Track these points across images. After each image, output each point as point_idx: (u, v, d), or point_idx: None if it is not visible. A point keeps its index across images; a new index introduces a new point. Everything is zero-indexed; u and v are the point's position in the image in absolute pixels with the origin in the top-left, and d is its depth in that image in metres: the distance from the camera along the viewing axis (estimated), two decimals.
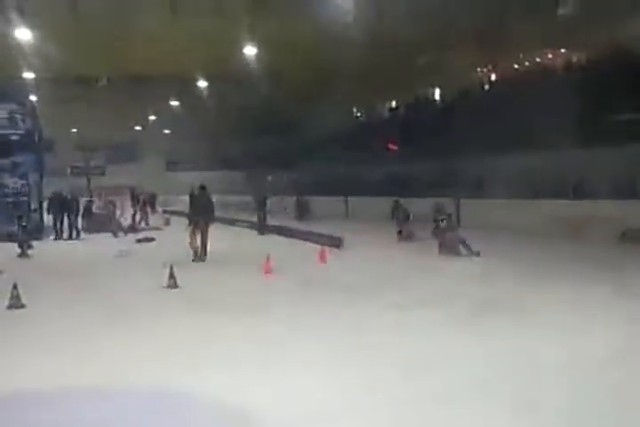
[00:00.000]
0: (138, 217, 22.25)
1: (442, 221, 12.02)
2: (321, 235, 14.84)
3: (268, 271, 10.09)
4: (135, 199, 23.87)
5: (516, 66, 26.43)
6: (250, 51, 22.11)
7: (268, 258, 10.28)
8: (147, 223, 22.43)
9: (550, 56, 25.43)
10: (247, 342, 5.93)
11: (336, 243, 13.68)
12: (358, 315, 6.99)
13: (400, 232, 14.94)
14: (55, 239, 17.64)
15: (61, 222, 18.10)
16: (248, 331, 6.37)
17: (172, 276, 9.03)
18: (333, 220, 20.64)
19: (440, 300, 7.66)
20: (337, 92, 25.14)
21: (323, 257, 11.56)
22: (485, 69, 27.99)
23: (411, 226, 14.83)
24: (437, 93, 30.72)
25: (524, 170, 17.10)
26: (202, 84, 28.88)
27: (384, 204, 16.74)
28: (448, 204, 14.08)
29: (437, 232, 12.08)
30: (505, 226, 14.56)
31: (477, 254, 11.23)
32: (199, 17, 19.35)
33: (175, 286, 8.97)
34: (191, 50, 22.12)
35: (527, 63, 25.92)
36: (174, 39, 20.80)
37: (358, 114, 38.31)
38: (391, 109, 35.13)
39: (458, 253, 11.39)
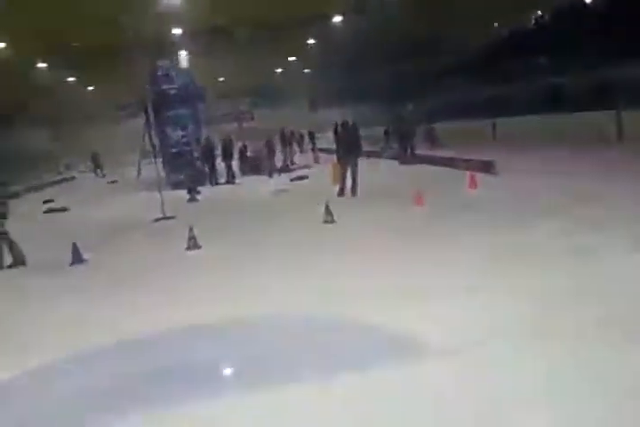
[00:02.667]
0: (289, 157, 23.19)
1: None
2: (469, 160, 14.51)
3: (419, 202, 10.20)
4: (285, 140, 24.72)
5: None
6: None
7: (417, 189, 10.37)
8: (292, 162, 23.22)
9: None
10: (419, 270, 6.12)
11: (487, 168, 13.30)
12: (523, 241, 6.80)
13: None
14: (213, 185, 18.77)
15: (214, 168, 19.29)
16: (419, 257, 6.61)
17: (328, 212, 9.47)
18: (480, 145, 19.97)
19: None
20: (476, 6, 23.71)
21: (473, 183, 11.40)
22: None
23: None
24: None
25: None
26: (336, 19, 28.63)
27: (536, 123, 15.88)
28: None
29: None
30: None
31: None
32: None
33: (332, 220, 9.41)
34: None
35: None
36: None
37: (500, 29, 35.90)
38: (536, 20, 32.54)
39: None
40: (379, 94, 37.17)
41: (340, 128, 13.24)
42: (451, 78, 28.15)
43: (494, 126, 22.63)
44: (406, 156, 18.55)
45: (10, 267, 8.72)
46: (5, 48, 24.47)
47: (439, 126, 25.17)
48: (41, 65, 30.33)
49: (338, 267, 6.58)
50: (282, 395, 3.62)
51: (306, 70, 44.45)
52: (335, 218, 9.43)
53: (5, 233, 8.84)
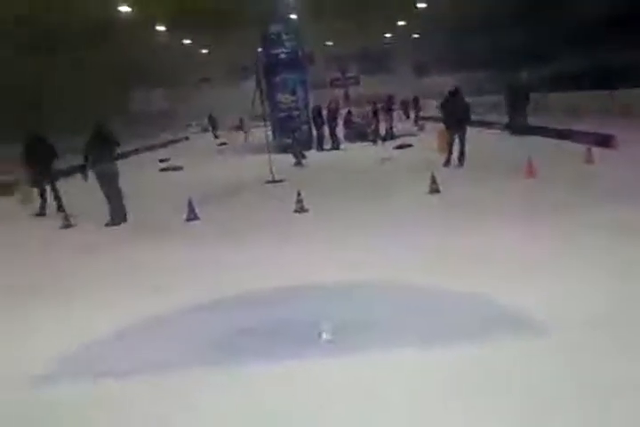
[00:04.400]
0: (394, 124, 22.99)
1: None
2: (586, 133, 13.84)
3: (529, 174, 9.93)
4: (391, 107, 24.48)
5: None
6: None
7: (528, 160, 10.08)
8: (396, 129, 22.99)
9: None
10: (534, 244, 6.05)
11: (606, 142, 12.65)
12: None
13: None
14: (318, 150, 18.95)
15: (321, 134, 19.51)
16: (532, 231, 6.51)
17: (433, 181, 9.44)
18: (598, 117, 18.86)
19: None
20: None
21: (590, 158, 10.92)
22: None
23: None
24: None
25: None
26: None
27: None
28: None
29: None
30: None
31: None
32: None
33: (438, 190, 9.38)
34: None
35: None
36: None
37: None
38: None
39: None
40: (490, 61, 35.80)
41: (448, 95, 12.94)
42: (569, 46, 26.50)
43: (613, 97, 21.27)
44: (518, 126, 17.90)
45: (108, 225, 9.04)
46: (129, 12, 25.58)
47: (554, 96, 23.99)
48: (159, 28, 31.49)
49: (442, 239, 6.61)
50: (385, 358, 3.76)
51: (414, 35, 43.40)
52: (441, 188, 9.39)
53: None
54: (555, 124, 16.79)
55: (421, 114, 28.00)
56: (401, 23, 40.70)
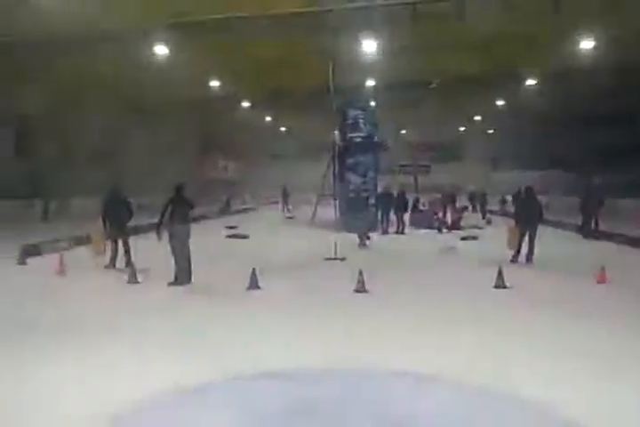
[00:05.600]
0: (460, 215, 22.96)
1: None
2: None
3: (601, 279, 9.61)
4: (457, 200, 24.60)
5: None
6: (587, 45, 20.97)
7: (602, 267, 9.78)
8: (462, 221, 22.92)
9: None
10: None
11: None
12: None
13: None
14: (383, 233, 18.94)
15: (388, 217, 19.65)
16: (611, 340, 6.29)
17: (500, 276, 9.25)
18: None
19: None
20: None
21: None
22: None
23: None
24: None
25: None
26: (530, 81, 28.21)
27: None
28: None
29: None
30: None
31: None
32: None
33: (504, 286, 9.17)
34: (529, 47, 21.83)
35: None
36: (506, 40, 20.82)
37: None
38: None
39: None
40: (565, 161, 35.78)
41: (522, 192, 12.92)
42: None
43: None
44: (590, 230, 17.57)
45: (171, 284, 9.21)
46: (218, 87, 27.19)
47: (628, 203, 23.55)
48: (245, 104, 33.26)
49: (507, 338, 6.40)
50: None
51: (490, 131, 44.08)
52: (508, 284, 9.18)
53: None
54: (627, 231, 16.42)
55: (488, 208, 27.93)
56: (477, 118, 41.60)
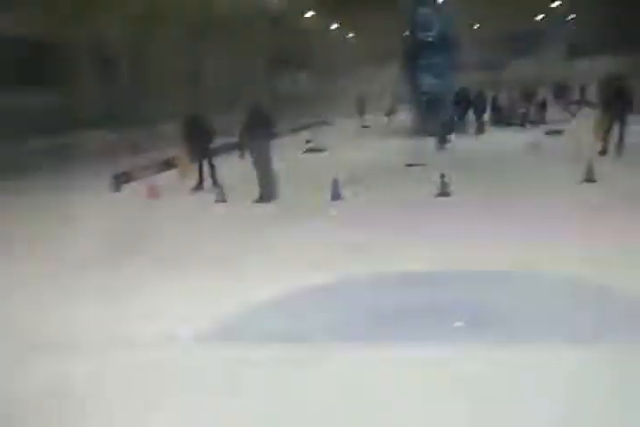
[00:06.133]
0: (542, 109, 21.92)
1: None
2: None
3: None
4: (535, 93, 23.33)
5: None
6: None
7: None
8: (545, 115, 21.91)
9: None
10: None
11: None
12: None
13: None
14: (462, 134, 18.22)
15: (466, 118, 19.01)
16: None
17: (590, 170, 8.95)
18: None
19: None
20: None
21: None
22: None
23: None
24: None
25: None
26: None
27: None
28: None
29: None
30: None
31: None
32: None
33: (593, 179, 8.90)
34: None
35: None
36: None
37: None
38: None
39: None
40: None
41: (611, 81, 12.16)
42: None
43: None
44: None
45: (257, 201, 9.45)
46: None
47: None
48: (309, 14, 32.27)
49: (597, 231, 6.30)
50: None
51: (570, 16, 40.79)
52: (596, 177, 8.90)
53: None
54: None
55: (574, 99, 26.41)
56: (555, 4, 38.52)
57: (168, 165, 14.49)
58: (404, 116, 21.45)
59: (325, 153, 17.08)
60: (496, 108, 21.26)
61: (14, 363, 4.00)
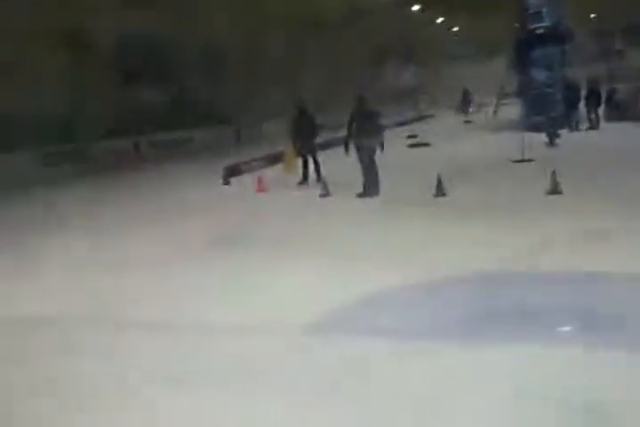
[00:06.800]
0: None
1: None
2: None
3: None
4: None
5: None
6: None
7: None
8: None
9: None
10: None
11: None
12: None
13: None
14: (572, 130, 17.66)
15: (577, 113, 18.20)
16: None
17: None
18: None
19: None
20: None
21: None
22: None
23: None
24: None
25: None
26: None
27: None
28: None
29: None
30: None
31: None
32: None
33: None
34: None
35: None
36: None
37: None
38: None
39: None
40: None
41: None
42: None
43: None
44: None
45: (360, 196, 9.52)
46: None
47: None
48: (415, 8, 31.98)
49: None
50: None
51: None
52: None
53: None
54: None
55: None
56: None
57: (275, 159, 14.93)
58: (512, 111, 20.82)
59: (429, 147, 16.95)
60: (612, 103, 20.16)
61: None
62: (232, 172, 13.45)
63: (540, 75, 18.89)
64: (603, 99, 19.27)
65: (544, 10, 18.97)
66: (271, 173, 13.57)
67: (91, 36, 18.51)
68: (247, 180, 12.68)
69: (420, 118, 32.18)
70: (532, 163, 11.71)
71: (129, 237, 8.30)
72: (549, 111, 16.43)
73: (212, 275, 5.99)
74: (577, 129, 17.88)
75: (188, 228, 8.46)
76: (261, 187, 11.23)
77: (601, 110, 18.97)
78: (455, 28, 42.54)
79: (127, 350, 4.26)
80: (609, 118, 19.20)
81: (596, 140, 15.39)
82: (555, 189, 8.62)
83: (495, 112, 24.69)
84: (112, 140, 18.57)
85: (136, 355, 4.15)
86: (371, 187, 9.66)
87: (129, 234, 8.48)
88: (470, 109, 30.82)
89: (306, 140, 11.57)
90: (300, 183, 11.60)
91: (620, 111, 19.33)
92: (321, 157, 11.94)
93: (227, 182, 12.79)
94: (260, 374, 3.68)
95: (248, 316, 4.71)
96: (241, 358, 3.90)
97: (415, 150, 16.73)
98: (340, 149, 10.07)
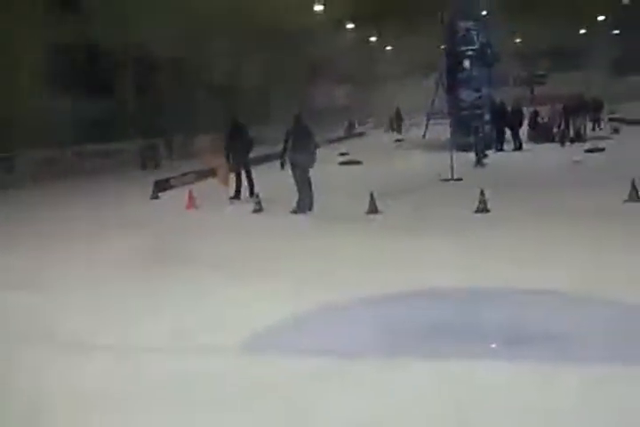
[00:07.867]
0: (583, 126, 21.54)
1: None
2: None
3: None
4: (583, 108, 22.97)
5: None
6: None
7: None
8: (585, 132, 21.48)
9: None
10: None
11: None
12: None
13: None
14: (498, 150, 18.24)
15: (503, 134, 18.82)
16: None
17: (634, 189, 8.72)
18: None
19: None
20: None
21: None
22: None
23: None
24: None
25: None
26: None
27: None
28: None
29: None
30: None
31: None
32: None
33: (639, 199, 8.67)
34: None
35: None
36: None
37: None
38: None
39: None
40: None
41: None
42: None
43: None
44: None
45: (295, 212, 9.44)
46: (322, 12, 26.65)
47: None
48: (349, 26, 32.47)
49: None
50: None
51: (615, 31, 40.16)
52: None
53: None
54: None
55: (616, 116, 25.91)
56: (600, 18, 37.98)
57: (207, 173, 14.63)
58: (441, 130, 21.35)
59: (361, 165, 17.09)
60: (534, 124, 20.99)
61: None
62: (162, 186, 13.09)
63: (468, 96, 19.47)
64: (525, 121, 20.05)
65: (473, 33, 19.61)
66: (204, 186, 13.28)
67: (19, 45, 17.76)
68: (178, 194, 12.31)
69: (352, 136, 32.60)
70: (461, 182, 11.97)
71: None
72: (477, 132, 16.94)
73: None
74: (502, 149, 18.47)
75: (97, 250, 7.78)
76: (191, 203, 10.89)
77: (523, 132, 19.65)
78: (389, 48, 43.40)
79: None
80: (532, 139, 19.97)
81: (520, 160, 15.96)
82: (483, 208, 8.79)
83: (424, 136, 25.34)
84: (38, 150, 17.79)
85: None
86: (304, 203, 9.60)
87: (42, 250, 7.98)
88: (402, 128, 31.50)
89: (240, 154, 11.40)
90: (232, 198, 11.39)
91: (542, 133, 20.14)
92: (257, 171, 11.78)
93: (155, 197, 12.41)
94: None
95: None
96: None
97: (347, 168, 16.81)
98: (277, 164, 9.98)
